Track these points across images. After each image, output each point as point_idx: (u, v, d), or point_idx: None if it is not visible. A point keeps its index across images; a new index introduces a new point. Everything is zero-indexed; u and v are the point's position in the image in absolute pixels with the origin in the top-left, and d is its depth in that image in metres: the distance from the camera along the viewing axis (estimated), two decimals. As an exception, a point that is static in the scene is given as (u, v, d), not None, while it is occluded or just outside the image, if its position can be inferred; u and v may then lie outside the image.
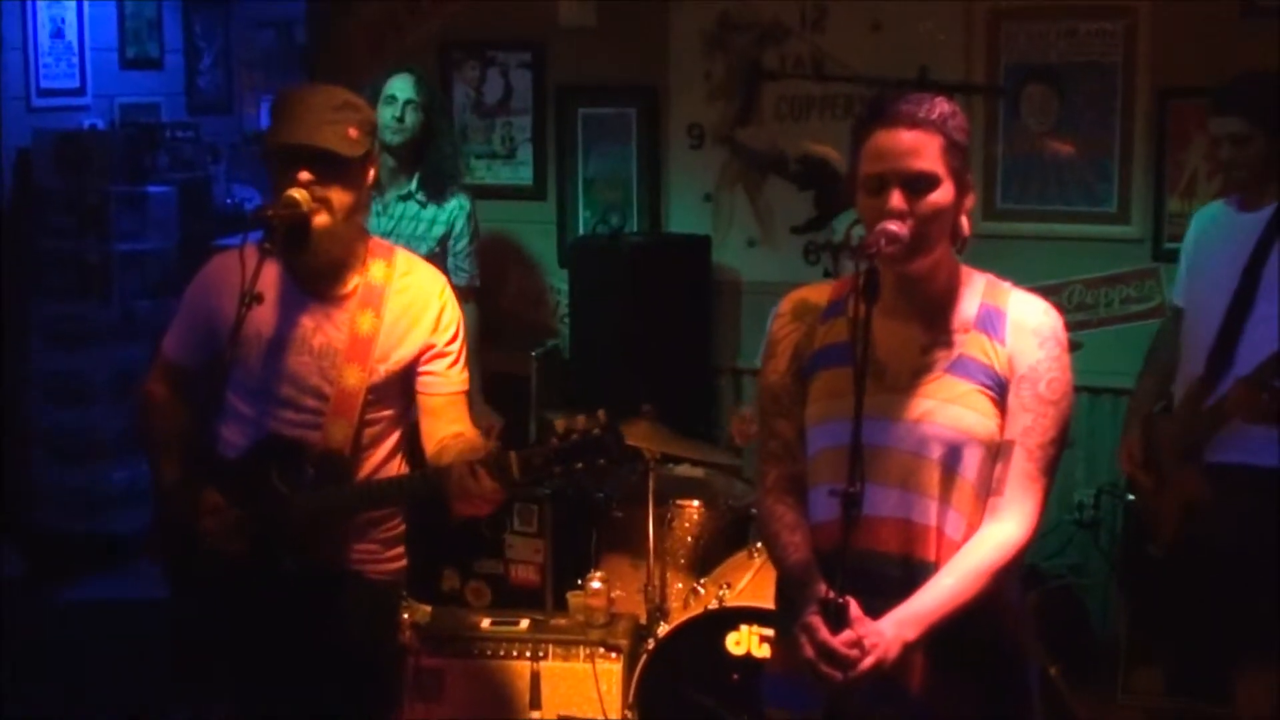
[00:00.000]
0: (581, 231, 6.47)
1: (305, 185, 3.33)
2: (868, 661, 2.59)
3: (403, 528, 3.68)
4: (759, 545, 4.95)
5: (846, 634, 2.60)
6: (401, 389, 3.57)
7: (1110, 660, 5.40)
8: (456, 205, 5.62)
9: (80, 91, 7.83)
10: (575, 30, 6.35)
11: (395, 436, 3.61)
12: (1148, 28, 5.70)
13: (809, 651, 2.62)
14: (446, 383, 3.57)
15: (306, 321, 3.50)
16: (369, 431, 3.52)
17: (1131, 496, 5.28)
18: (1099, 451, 5.78)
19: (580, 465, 3.25)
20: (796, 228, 6.13)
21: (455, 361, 3.59)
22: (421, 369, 3.55)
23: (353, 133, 3.38)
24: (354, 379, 3.46)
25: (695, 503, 5.21)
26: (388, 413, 3.56)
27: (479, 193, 6.48)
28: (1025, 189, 5.89)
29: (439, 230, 5.54)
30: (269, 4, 9.31)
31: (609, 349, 5.99)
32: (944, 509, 2.79)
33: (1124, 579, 5.44)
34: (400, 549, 3.68)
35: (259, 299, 3.26)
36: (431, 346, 3.54)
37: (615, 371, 5.86)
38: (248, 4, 9.30)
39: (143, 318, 7.16)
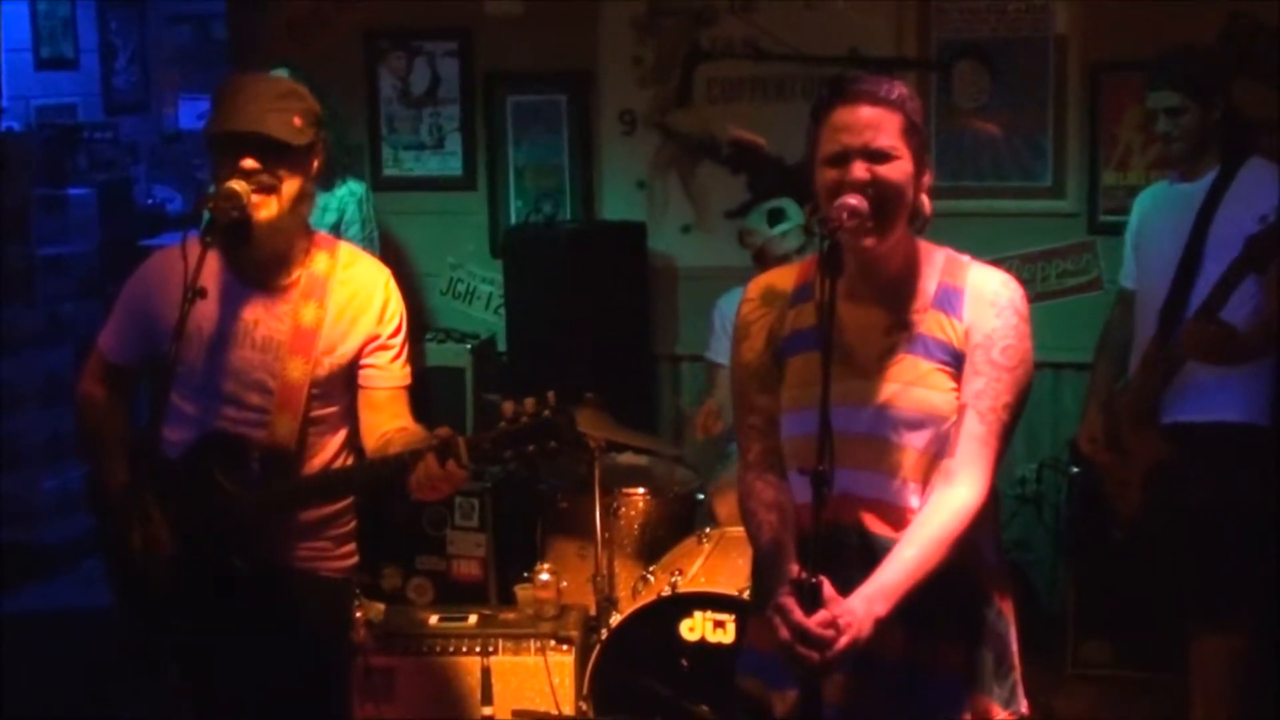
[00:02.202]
0: (514, 221, 6.41)
1: (249, 173, 3.26)
2: (843, 641, 2.56)
3: (354, 524, 3.62)
4: (707, 530, 4.94)
5: (821, 614, 2.57)
6: (347, 383, 3.50)
7: (1058, 633, 5.42)
8: (346, 192, 5.59)
9: (-5, 94, 7.71)
10: (502, 17, 6.29)
11: (342, 433, 3.54)
12: (1079, 2, 5.71)
13: (784, 633, 2.58)
14: (388, 376, 3.51)
15: (248, 314, 3.42)
16: (315, 428, 3.46)
17: (1076, 469, 5.31)
18: (1039, 426, 5.79)
19: (531, 448, 3.19)
20: (731, 212, 6.14)
21: (398, 355, 3.52)
22: (364, 362, 3.49)
23: (297, 121, 3.31)
24: (298, 372, 3.39)
25: (641, 490, 5.19)
26: (334, 408, 3.49)
27: (407, 185, 6.45)
28: (960, 166, 5.89)
29: (330, 218, 5.49)
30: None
31: (545, 339, 5.93)
32: (921, 490, 2.79)
33: (1070, 552, 5.45)
34: (351, 545, 3.63)
35: (202, 294, 3.17)
36: (376, 338, 3.48)
37: (552, 361, 5.80)
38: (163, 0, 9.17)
39: (68, 321, 7.05)
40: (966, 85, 5.85)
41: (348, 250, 3.56)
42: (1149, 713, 5.10)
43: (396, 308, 3.53)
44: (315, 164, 3.41)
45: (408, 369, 3.55)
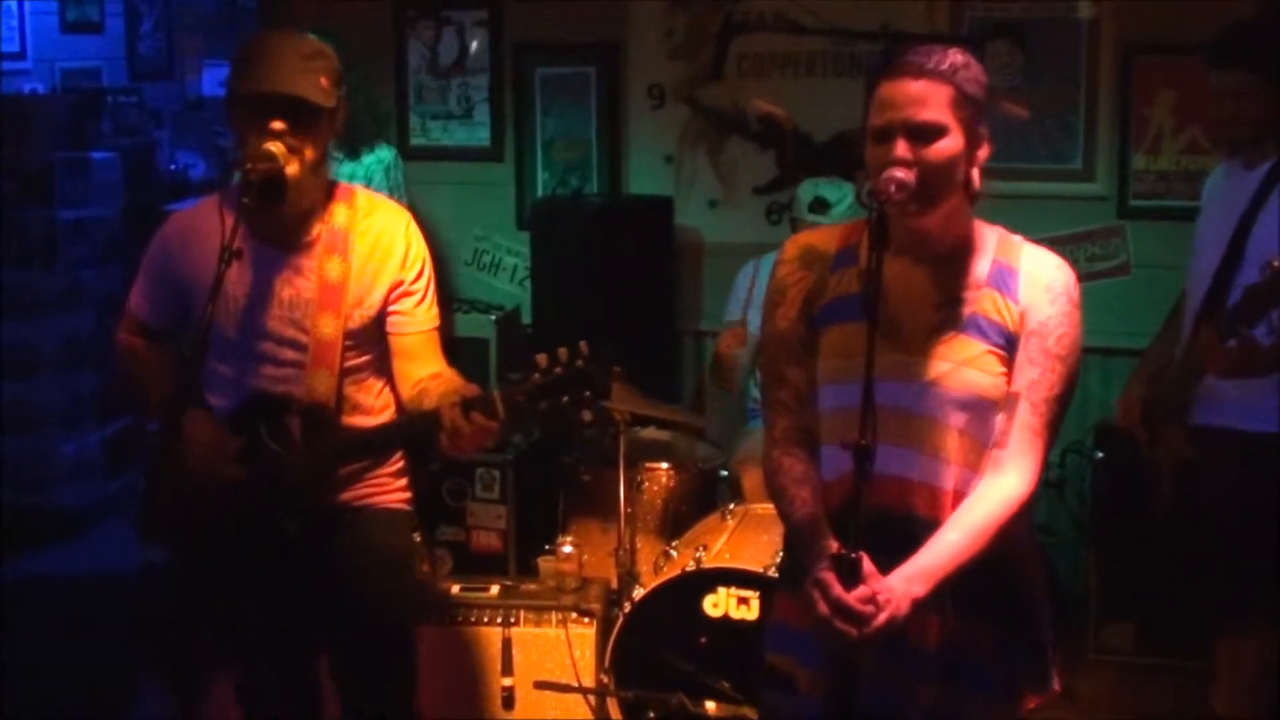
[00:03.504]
0: (540, 193, 6.39)
1: (277, 135, 3.24)
2: (882, 617, 2.55)
3: (402, 461, 3.64)
4: (732, 507, 4.91)
5: (861, 590, 2.55)
6: (379, 331, 3.50)
7: (1080, 618, 5.40)
8: (374, 160, 5.57)
9: (20, 56, 7.68)
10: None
11: (382, 381, 3.55)
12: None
13: (822, 608, 2.56)
14: (414, 321, 3.51)
15: (273, 274, 3.43)
16: (351, 378, 3.47)
17: (1100, 454, 5.27)
18: (1064, 410, 5.74)
19: (566, 399, 3.17)
20: (759, 188, 6.12)
21: (423, 299, 3.52)
22: (391, 309, 3.48)
23: (324, 82, 3.31)
24: (330, 328, 3.39)
25: (664, 465, 5.17)
26: (368, 356, 3.50)
27: (435, 155, 6.43)
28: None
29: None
30: (209, -34, 9.17)
31: (570, 311, 5.91)
32: (962, 472, 2.76)
33: (1094, 537, 5.41)
34: (405, 481, 3.64)
35: (239, 254, 3.16)
36: (400, 283, 3.47)
37: (577, 334, 5.67)
38: (188, -34, 9.15)
39: (89, 286, 7.02)
40: (998, 64, 5.79)
41: (366, 198, 3.55)
42: (1170, 697, 5.08)
43: (419, 252, 3.52)
44: (338, 124, 3.40)
45: (434, 310, 3.55)
